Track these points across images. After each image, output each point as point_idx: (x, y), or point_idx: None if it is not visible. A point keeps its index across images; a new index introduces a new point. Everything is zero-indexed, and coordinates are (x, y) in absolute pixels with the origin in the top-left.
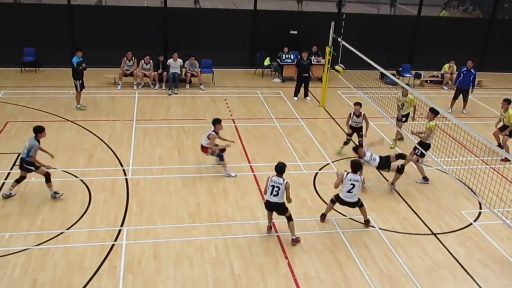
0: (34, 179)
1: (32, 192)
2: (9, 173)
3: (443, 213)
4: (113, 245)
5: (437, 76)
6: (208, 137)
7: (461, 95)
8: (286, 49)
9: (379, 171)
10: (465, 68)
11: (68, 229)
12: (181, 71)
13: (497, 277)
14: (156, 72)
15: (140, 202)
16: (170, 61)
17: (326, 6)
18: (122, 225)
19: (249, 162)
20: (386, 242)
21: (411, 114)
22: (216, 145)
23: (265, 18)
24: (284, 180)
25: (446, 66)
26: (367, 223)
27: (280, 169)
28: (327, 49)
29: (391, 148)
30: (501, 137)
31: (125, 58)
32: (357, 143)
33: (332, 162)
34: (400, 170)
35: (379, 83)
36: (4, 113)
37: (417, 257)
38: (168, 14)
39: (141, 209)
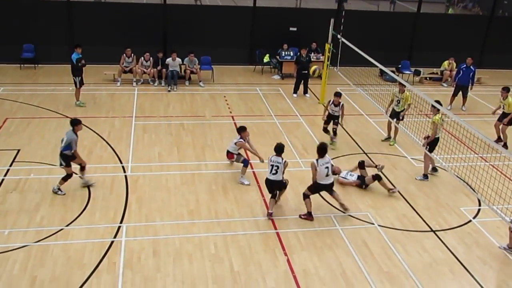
0: (33, 175)
1: (32, 189)
2: (8, 170)
3: (442, 210)
4: (112, 241)
5: (437, 73)
6: (235, 144)
7: (460, 92)
8: (285, 46)
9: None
10: (465, 65)
11: (67, 225)
12: (180, 68)
13: (495, 273)
14: (155, 69)
15: (139, 199)
16: (169, 60)
17: (325, 3)
18: (121, 222)
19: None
20: (385, 239)
21: (405, 112)
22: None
23: (264, 15)
24: (283, 159)
25: (446, 63)
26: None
27: (279, 149)
28: (327, 46)
29: (390, 145)
30: (501, 127)
31: (124, 54)
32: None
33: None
34: (377, 178)
35: (379, 80)
36: (3, 109)
37: (416, 253)
38: (167, 11)
39: (140, 206)
